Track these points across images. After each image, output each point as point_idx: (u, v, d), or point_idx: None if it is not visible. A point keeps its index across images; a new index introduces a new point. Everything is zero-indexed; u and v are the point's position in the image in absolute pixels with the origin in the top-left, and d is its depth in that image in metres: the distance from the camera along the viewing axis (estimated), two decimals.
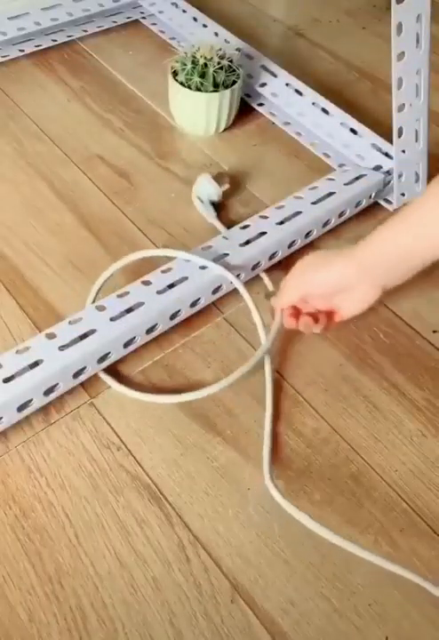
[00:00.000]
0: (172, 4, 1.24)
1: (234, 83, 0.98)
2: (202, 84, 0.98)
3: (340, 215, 0.87)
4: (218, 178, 0.89)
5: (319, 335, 0.77)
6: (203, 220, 0.87)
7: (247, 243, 0.79)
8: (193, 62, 0.98)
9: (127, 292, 0.72)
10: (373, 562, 0.60)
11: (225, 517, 0.63)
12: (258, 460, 0.66)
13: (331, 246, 0.87)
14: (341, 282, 0.64)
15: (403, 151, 0.89)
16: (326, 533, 0.60)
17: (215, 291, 0.76)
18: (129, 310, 0.70)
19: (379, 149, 0.95)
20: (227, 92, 0.97)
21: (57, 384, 0.66)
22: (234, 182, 0.94)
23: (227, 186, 0.89)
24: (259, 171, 0.97)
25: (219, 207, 0.89)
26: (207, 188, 0.88)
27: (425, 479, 0.66)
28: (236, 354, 0.75)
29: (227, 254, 0.77)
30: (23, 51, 1.11)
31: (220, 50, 1.01)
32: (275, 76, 1.08)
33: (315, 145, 0.99)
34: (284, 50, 1.24)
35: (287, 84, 1.06)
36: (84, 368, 0.68)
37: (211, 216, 0.87)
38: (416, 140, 0.89)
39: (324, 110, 1.02)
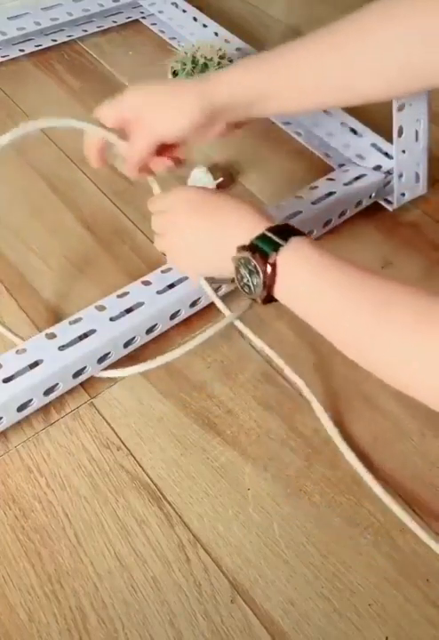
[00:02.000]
0: (172, 3, 1.24)
1: None
2: None
3: (340, 215, 0.87)
4: (212, 170, 0.89)
5: (319, 335, 0.77)
6: None
7: None
8: (193, 62, 0.98)
9: (127, 292, 0.72)
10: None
11: (225, 517, 0.63)
12: (258, 459, 0.66)
13: (331, 249, 0.87)
14: (193, 125, 0.62)
15: (403, 151, 0.89)
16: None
17: (215, 291, 0.76)
18: (129, 310, 0.70)
19: (379, 149, 0.95)
20: None
21: (57, 384, 0.66)
22: (234, 182, 0.94)
23: (221, 179, 0.89)
24: (259, 171, 0.97)
25: None
26: (202, 180, 0.88)
27: (425, 479, 0.66)
28: (236, 354, 0.75)
29: None
30: (23, 51, 1.11)
31: (220, 50, 1.01)
32: None
33: (314, 145, 0.99)
34: None
35: None
36: (84, 368, 0.68)
37: None
38: (416, 140, 0.89)
39: (324, 110, 1.01)
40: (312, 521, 0.63)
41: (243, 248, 0.53)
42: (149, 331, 0.72)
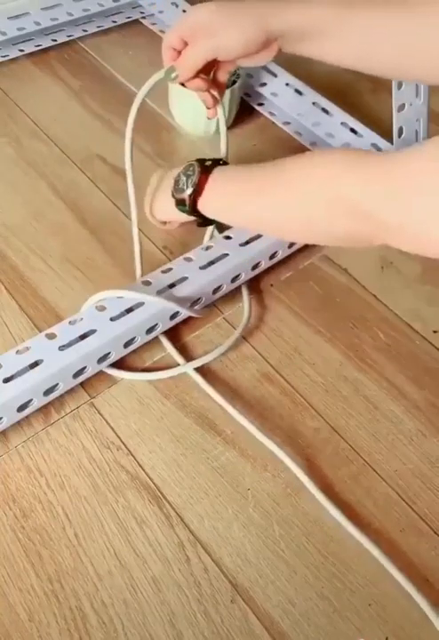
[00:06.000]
0: (172, 3, 1.23)
1: (234, 82, 0.98)
2: None
3: None
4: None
5: (319, 336, 0.77)
6: None
7: (247, 243, 0.79)
8: None
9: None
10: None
11: (225, 517, 0.63)
12: (258, 459, 0.66)
13: (331, 249, 0.87)
14: (248, 49, 0.65)
15: None
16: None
17: (215, 291, 0.76)
18: (129, 310, 0.70)
19: (379, 149, 0.95)
20: (227, 91, 0.96)
21: (57, 384, 0.66)
22: None
23: None
24: None
25: None
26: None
27: (425, 479, 0.66)
28: (236, 353, 0.75)
29: (227, 254, 0.77)
30: (23, 51, 1.11)
31: None
32: (275, 75, 1.08)
33: (314, 145, 0.99)
34: None
35: (287, 84, 1.06)
36: (84, 368, 0.68)
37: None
38: (416, 140, 0.89)
39: (324, 110, 1.02)
40: (312, 521, 0.63)
41: (188, 163, 0.71)
42: (149, 331, 0.72)
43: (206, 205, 0.69)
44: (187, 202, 0.69)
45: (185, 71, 0.69)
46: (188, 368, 0.72)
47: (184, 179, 0.69)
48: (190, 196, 0.68)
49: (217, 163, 0.70)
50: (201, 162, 0.69)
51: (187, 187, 0.68)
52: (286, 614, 0.57)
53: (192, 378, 0.72)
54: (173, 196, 0.72)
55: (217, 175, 0.68)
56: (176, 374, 0.72)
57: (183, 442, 0.67)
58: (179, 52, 0.69)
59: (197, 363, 0.72)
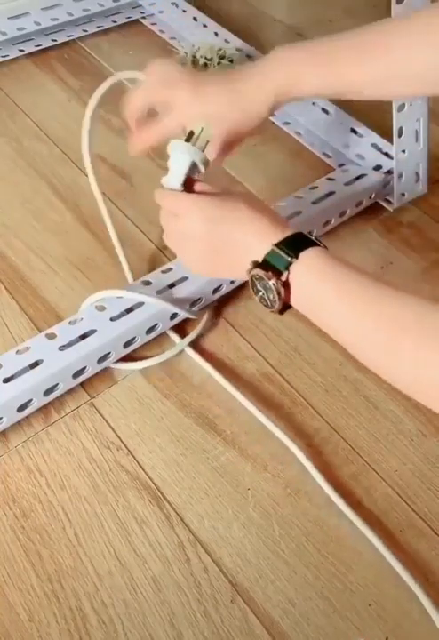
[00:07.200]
0: (172, 3, 1.24)
1: None
2: None
3: (341, 215, 0.87)
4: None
5: (319, 336, 0.77)
6: None
7: None
8: (193, 62, 0.98)
9: None
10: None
11: (225, 517, 0.63)
12: (258, 459, 0.66)
13: (331, 249, 0.87)
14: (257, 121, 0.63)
15: (403, 151, 0.89)
16: None
17: (215, 291, 0.76)
18: (129, 310, 0.70)
19: (380, 149, 0.95)
20: None
21: (57, 384, 0.66)
22: (233, 182, 0.94)
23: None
24: (258, 170, 0.97)
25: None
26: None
27: (425, 479, 0.66)
28: (236, 353, 0.75)
29: None
30: (23, 51, 1.11)
31: (220, 50, 1.01)
32: None
33: (314, 145, 0.99)
34: None
35: None
36: (84, 368, 0.68)
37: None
38: (416, 140, 0.89)
39: (324, 110, 1.01)
40: (312, 521, 0.63)
41: (256, 265, 0.53)
42: (149, 331, 0.72)
43: (300, 307, 0.53)
44: (278, 312, 0.54)
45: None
46: (184, 345, 0.72)
47: (262, 290, 0.53)
48: (279, 310, 0.53)
49: (283, 256, 0.52)
50: (268, 264, 0.52)
51: (271, 301, 0.53)
52: (286, 614, 0.57)
53: (191, 378, 0.72)
54: (258, 301, 0.56)
55: (302, 274, 0.51)
56: (174, 354, 0.72)
57: (183, 442, 0.67)
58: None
59: (190, 337, 0.73)
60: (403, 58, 0.60)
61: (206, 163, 0.60)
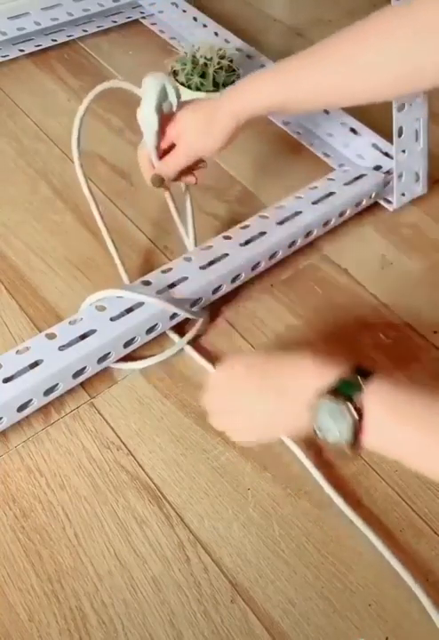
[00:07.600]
0: (172, 3, 1.24)
1: (234, 82, 0.98)
2: (202, 83, 0.98)
3: (341, 215, 0.87)
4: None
5: (318, 335, 0.77)
6: (204, 219, 0.87)
7: (247, 243, 0.79)
8: (193, 62, 0.98)
9: None
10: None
11: (225, 517, 0.63)
12: (258, 459, 0.66)
13: (331, 249, 0.87)
14: (226, 144, 0.67)
15: (403, 151, 0.89)
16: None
17: (215, 291, 0.76)
18: (129, 310, 0.70)
19: (380, 149, 0.95)
20: None
21: (57, 384, 0.66)
22: (233, 183, 0.93)
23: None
24: (258, 170, 0.97)
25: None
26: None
27: (424, 479, 0.66)
28: (235, 353, 0.75)
29: (227, 254, 0.77)
30: (23, 50, 1.11)
31: (220, 50, 1.01)
32: None
33: (314, 145, 0.99)
34: (284, 50, 1.23)
35: None
36: (84, 368, 0.68)
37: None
38: (416, 140, 0.89)
39: (324, 110, 1.01)
40: (312, 521, 0.63)
41: (324, 394, 0.48)
42: (149, 330, 0.72)
43: (372, 440, 0.48)
44: (349, 447, 0.49)
45: (170, 171, 0.69)
46: (183, 343, 0.73)
47: (329, 423, 0.49)
48: (350, 443, 0.48)
49: (353, 383, 0.48)
50: (337, 391, 0.48)
51: (341, 433, 0.48)
52: (286, 614, 0.57)
53: (191, 378, 0.72)
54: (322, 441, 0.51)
55: (372, 401, 0.47)
56: (174, 353, 0.73)
57: (183, 442, 0.67)
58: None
59: (190, 336, 0.74)
60: (357, 61, 0.63)
61: (178, 95, 0.65)
